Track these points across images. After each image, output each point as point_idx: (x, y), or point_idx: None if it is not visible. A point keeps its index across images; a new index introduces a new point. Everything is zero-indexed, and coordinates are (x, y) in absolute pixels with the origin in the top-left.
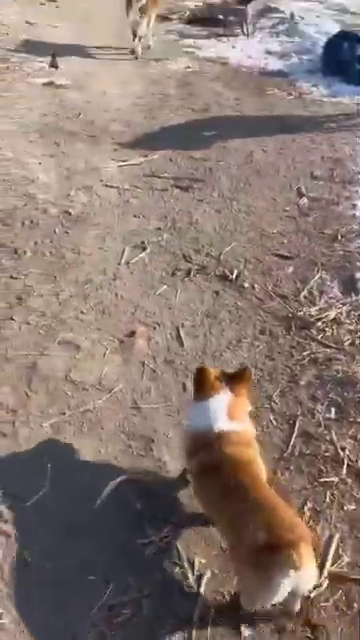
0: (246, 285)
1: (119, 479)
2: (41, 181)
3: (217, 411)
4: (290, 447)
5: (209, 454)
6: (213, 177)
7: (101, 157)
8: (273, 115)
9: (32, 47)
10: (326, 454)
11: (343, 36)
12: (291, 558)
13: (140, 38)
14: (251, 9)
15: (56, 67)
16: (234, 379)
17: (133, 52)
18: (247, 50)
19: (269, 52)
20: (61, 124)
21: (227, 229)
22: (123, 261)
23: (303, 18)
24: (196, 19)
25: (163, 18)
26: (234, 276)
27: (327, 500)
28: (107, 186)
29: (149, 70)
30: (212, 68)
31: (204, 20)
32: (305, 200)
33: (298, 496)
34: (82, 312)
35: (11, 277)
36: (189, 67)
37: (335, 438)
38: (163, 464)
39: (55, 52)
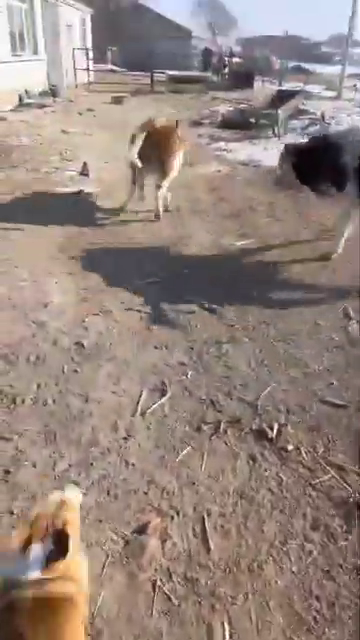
0: (290, 447)
1: None
2: (55, 305)
3: None
4: None
5: None
6: (246, 298)
7: (124, 273)
8: (309, 219)
9: (64, 156)
10: None
11: None
12: None
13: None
14: (282, 112)
15: (87, 175)
16: None
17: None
18: (279, 151)
19: None
20: (84, 237)
21: (263, 364)
22: (139, 411)
23: (334, 118)
24: (227, 123)
25: (195, 123)
26: (274, 433)
27: None
28: (128, 309)
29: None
30: (244, 171)
31: (235, 124)
32: (355, 324)
33: None
34: (81, 492)
35: (1, 438)
36: (219, 170)
37: None
38: None
39: (86, 160)
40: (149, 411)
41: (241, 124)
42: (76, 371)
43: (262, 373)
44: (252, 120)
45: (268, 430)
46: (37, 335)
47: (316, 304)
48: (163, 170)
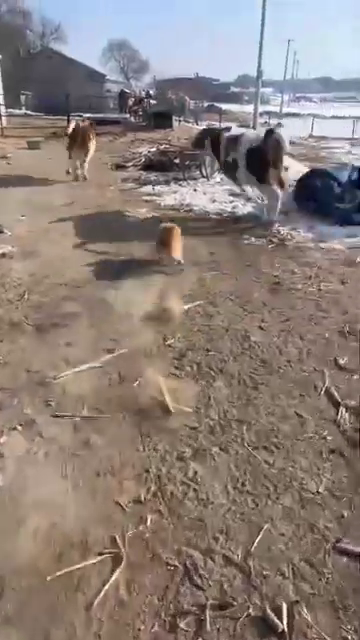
0: None
1: None
2: None
3: None
4: None
5: None
6: (204, 381)
7: (50, 359)
8: (258, 271)
9: None
10: None
11: (313, 174)
12: None
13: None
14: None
15: (1, 232)
16: None
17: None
18: (210, 194)
19: (234, 194)
20: (0, 311)
21: (245, 490)
22: (83, 601)
23: None
24: (152, 165)
25: (118, 166)
26: (284, 621)
27: None
28: (57, 416)
29: (108, 225)
30: (176, 216)
31: (160, 165)
32: (343, 411)
33: None
34: None
35: None
36: (151, 217)
37: None
38: None
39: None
40: (97, 600)
41: (166, 165)
42: None
43: (246, 506)
44: (177, 161)
45: (274, 618)
46: None
47: (288, 382)
48: (85, 152)
